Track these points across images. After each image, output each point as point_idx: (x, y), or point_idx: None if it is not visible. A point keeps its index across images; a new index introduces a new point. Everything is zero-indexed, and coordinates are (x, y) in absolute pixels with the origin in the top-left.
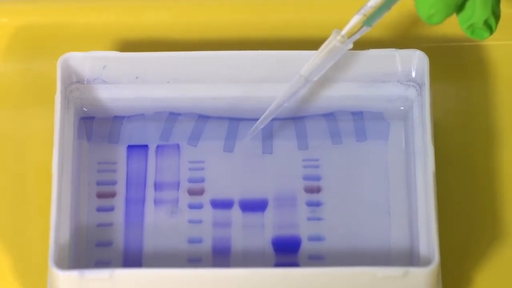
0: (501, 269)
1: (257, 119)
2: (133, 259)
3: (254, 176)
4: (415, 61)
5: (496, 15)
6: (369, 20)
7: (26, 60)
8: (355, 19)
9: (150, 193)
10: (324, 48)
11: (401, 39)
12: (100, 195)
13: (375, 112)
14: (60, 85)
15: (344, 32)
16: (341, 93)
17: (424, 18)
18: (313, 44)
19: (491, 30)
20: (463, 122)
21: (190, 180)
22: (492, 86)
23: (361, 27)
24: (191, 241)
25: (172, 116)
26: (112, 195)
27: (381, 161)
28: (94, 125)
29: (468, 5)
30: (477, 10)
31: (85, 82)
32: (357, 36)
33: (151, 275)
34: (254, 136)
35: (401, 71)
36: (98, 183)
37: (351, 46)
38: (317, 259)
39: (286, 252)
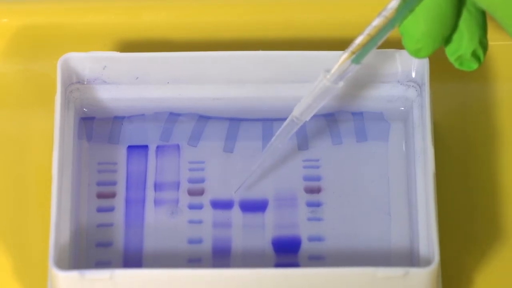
0: (502, 269)
1: (258, 120)
2: (133, 259)
3: (254, 176)
4: (415, 62)
5: (484, 45)
6: (357, 57)
7: (26, 60)
8: (343, 57)
9: (150, 194)
10: (314, 88)
11: (401, 39)
12: (100, 196)
13: (375, 112)
14: (60, 86)
15: (333, 71)
16: (341, 94)
17: (411, 52)
18: (314, 44)
19: (479, 61)
20: (463, 122)
21: (190, 181)
22: (492, 86)
23: (350, 64)
24: (191, 241)
25: (172, 117)
26: (112, 195)
27: (381, 161)
28: (94, 126)
29: (455, 37)
30: (464, 42)
31: (85, 83)
32: (347, 75)
33: (151, 276)
34: (254, 137)
35: (401, 72)
36: (98, 184)
37: (341, 84)
38: (317, 260)
39: (286, 252)
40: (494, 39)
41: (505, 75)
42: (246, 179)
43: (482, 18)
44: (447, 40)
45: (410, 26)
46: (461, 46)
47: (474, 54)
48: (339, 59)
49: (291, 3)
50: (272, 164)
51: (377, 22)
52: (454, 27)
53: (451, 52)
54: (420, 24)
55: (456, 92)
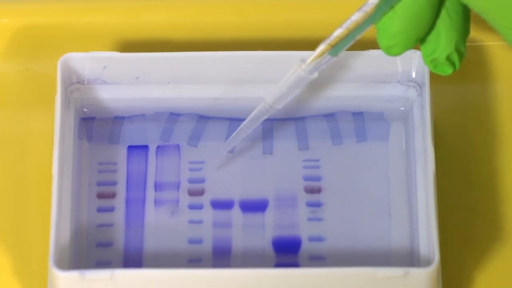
0: (502, 269)
1: None
2: (133, 259)
3: (255, 176)
4: (415, 62)
5: (460, 52)
6: (334, 50)
7: (26, 60)
8: (320, 48)
9: (151, 194)
10: (289, 77)
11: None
12: (100, 196)
13: (375, 112)
14: (60, 86)
15: (309, 61)
16: (341, 94)
17: (384, 48)
18: (314, 44)
19: (454, 66)
20: (463, 122)
21: (190, 181)
22: (492, 86)
23: (326, 56)
24: (192, 241)
25: (172, 117)
26: (112, 195)
27: (381, 161)
28: (95, 126)
29: (431, 39)
30: (440, 45)
31: (86, 83)
32: (322, 66)
33: (152, 276)
34: (255, 137)
35: (401, 72)
36: (99, 184)
37: (316, 75)
38: (318, 260)
39: (287, 252)
40: (494, 39)
41: (505, 75)
42: (216, 161)
43: (463, 24)
44: (423, 41)
45: (386, 22)
46: (437, 49)
47: (449, 59)
48: (316, 50)
49: (291, 3)
50: (272, 164)
51: (356, 16)
52: (430, 28)
53: (427, 54)
54: (396, 21)
55: (456, 92)
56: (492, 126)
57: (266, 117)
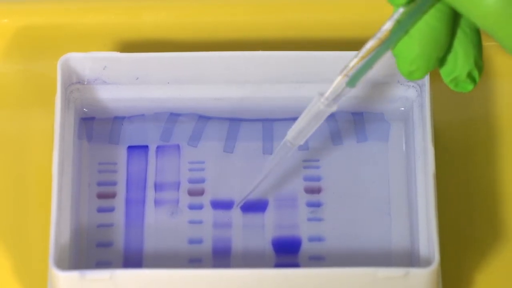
0: (502, 270)
1: (258, 120)
2: (133, 259)
3: (254, 176)
4: None
5: (479, 66)
6: (352, 80)
7: (26, 60)
8: (337, 80)
9: (151, 194)
10: (308, 111)
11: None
12: (100, 196)
13: (375, 113)
14: (60, 86)
15: (327, 94)
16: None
17: (405, 74)
18: (314, 44)
19: (474, 82)
20: (463, 122)
21: (190, 181)
22: (492, 86)
23: (345, 88)
24: (192, 241)
25: (172, 117)
26: (112, 195)
27: (381, 162)
28: (95, 126)
29: (449, 58)
30: (459, 64)
31: (86, 83)
32: (341, 98)
33: (152, 276)
34: (255, 137)
35: None
36: (99, 184)
37: (335, 108)
38: (318, 260)
39: (287, 252)
40: (494, 40)
41: (505, 75)
42: (245, 197)
43: (477, 38)
44: (442, 61)
45: (403, 48)
46: (456, 67)
47: (469, 75)
48: (334, 82)
49: (291, 3)
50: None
51: (370, 44)
52: (448, 48)
53: (446, 74)
54: (414, 46)
55: (456, 92)
56: (492, 126)
57: (288, 155)
